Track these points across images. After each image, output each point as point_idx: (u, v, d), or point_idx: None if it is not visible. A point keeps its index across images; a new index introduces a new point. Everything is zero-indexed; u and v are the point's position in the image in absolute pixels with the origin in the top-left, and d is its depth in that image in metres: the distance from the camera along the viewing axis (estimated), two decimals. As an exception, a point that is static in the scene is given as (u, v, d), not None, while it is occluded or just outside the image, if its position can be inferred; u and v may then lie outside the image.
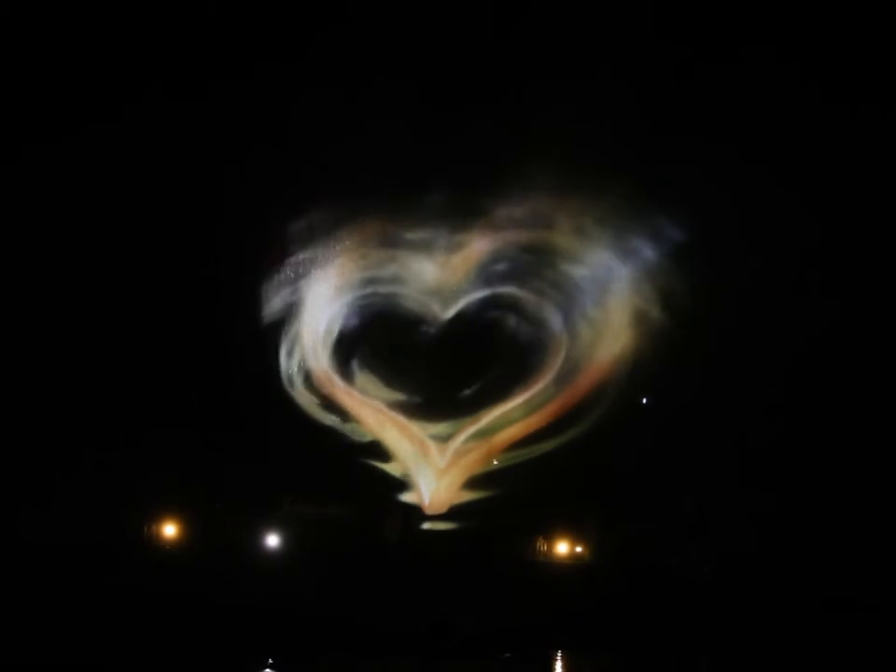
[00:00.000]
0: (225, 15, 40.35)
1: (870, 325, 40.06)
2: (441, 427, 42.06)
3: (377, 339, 41.95)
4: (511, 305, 41.96)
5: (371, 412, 42.13)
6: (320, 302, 41.89)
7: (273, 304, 41.31)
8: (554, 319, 41.84)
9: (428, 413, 42.04)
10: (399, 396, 41.99)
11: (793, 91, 39.17)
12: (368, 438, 42.07)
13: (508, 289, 41.89)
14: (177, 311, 40.78)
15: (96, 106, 40.43)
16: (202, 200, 40.08)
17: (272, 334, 41.45)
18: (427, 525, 41.88)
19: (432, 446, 42.16)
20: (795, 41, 39.22)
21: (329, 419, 41.92)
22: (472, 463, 42.13)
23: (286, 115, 39.78)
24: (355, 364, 42.13)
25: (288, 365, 41.83)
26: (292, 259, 41.28)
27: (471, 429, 41.97)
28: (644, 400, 41.82)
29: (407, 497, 42.19)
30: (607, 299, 41.40)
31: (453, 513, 41.97)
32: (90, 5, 39.84)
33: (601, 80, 38.41)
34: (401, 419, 42.06)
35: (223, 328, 40.88)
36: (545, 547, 42.53)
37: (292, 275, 41.47)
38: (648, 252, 40.57)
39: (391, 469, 42.12)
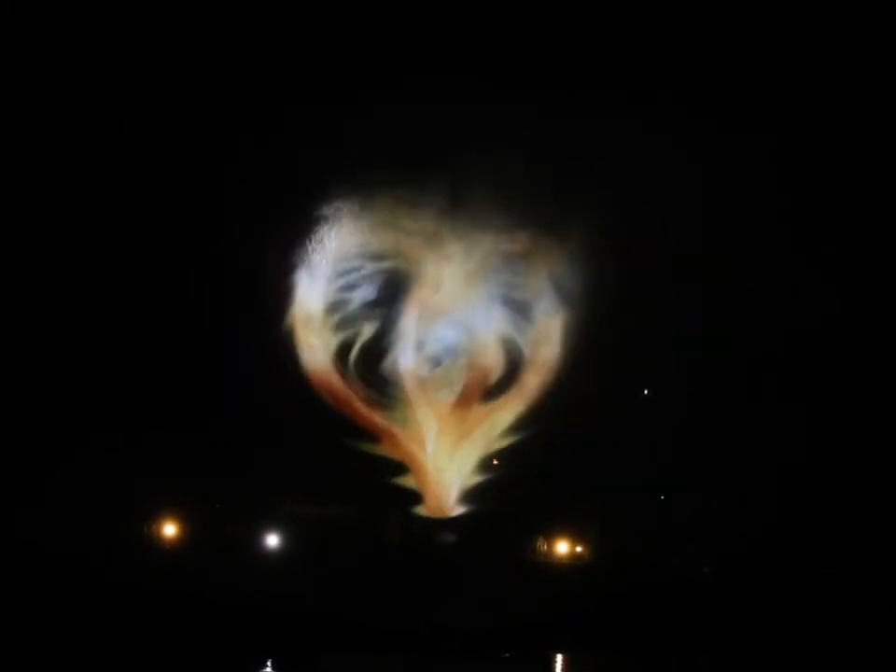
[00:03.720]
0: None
1: (868, 325, 40.19)
2: (441, 428, 42.10)
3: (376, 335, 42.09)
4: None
5: (373, 409, 42.22)
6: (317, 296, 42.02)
7: (277, 302, 41.47)
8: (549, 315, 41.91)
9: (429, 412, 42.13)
10: (398, 393, 42.08)
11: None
12: (367, 437, 42.11)
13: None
14: (177, 311, 40.81)
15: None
16: (203, 198, 40.13)
17: (272, 333, 41.53)
18: (426, 526, 41.90)
19: (432, 447, 42.17)
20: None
21: (329, 418, 41.94)
22: (472, 463, 42.15)
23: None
24: (353, 362, 42.17)
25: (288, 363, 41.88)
26: (294, 260, 41.42)
27: (470, 429, 42.00)
28: (645, 392, 41.86)
29: (407, 498, 42.20)
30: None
31: (452, 514, 41.99)
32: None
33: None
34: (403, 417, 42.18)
35: (223, 327, 40.95)
36: (545, 547, 42.56)
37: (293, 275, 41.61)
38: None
39: (392, 470, 42.12)
